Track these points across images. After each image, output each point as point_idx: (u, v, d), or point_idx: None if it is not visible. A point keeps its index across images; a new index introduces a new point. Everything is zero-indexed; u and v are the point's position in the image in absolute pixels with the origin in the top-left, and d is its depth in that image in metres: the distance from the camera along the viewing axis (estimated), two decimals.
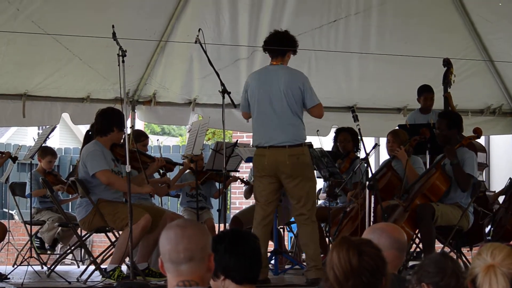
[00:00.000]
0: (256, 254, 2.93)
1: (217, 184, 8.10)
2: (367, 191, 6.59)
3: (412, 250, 7.07)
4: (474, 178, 6.65)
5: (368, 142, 7.39)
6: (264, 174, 6.10)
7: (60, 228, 8.23)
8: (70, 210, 10.21)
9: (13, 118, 8.25)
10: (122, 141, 6.36)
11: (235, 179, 8.31)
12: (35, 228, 8.34)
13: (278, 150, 6.03)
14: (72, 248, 7.71)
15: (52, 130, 7.70)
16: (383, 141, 7.71)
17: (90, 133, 6.58)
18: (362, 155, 7.03)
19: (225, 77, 6.59)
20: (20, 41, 7.54)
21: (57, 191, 8.17)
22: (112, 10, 7.65)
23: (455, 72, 7.81)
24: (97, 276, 6.31)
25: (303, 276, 6.37)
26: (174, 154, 11.76)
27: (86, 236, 7.11)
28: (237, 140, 8.60)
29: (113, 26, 5.94)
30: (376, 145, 7.56)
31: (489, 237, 7.15)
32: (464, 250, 7.31)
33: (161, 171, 7.20)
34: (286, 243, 9.05)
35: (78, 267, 8.28)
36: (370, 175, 6.68)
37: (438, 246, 7.04)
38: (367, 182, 6.62)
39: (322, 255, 6.24)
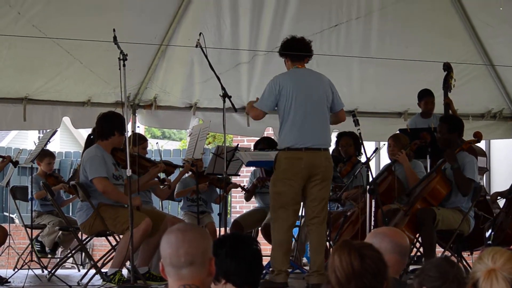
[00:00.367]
0: (256, 258, 2.93)
1: (217, 189, 8.10)
2: (368, 195, 6.59)
3: (412, 254, 7.07)
4: (475, 183, 6.65)
5: (369, 146, 7.40)
6: (297, 178, 6.00)
7: (60, 232, 8.21)
8: (71, 214, 10.21)
9: (14, 122, 8.23)
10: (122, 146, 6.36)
11: (236, 186, 8.31)
12: (35, 232, 8.34)
13: (315, 152, 6.00)
14: (73, 252, 7.71)
15: (53, 134, 7.68)
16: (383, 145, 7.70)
17: (91, 137, 6.57)
18: (364, 159, 7.04)
19: (226, 81, 6.58)
20: (21, 45, 7.53)
21: (60, 189, 8.17)
22: (113, 14, 7.65)
23: (455, 76, 7.81)
24: (97, 280, 6.32)
25: (303, 281, 6.35)
26: (174, 158, 11.78)
27: (87, 240, 7.11)
28: (237, 144, 8.60)
29: (114, 30, 5.95)
30: (377, 149, 7.57)
31: (490, 242, 7.13)
32: (465, 255, 7.30)
33: (161, 177, 7.22)
34: None
35: (79, 271, 8.28)
36: (370, 179, 6.68)
37: (439, 250, 7.04)
38: (368, 186, 6.62)
39: None
